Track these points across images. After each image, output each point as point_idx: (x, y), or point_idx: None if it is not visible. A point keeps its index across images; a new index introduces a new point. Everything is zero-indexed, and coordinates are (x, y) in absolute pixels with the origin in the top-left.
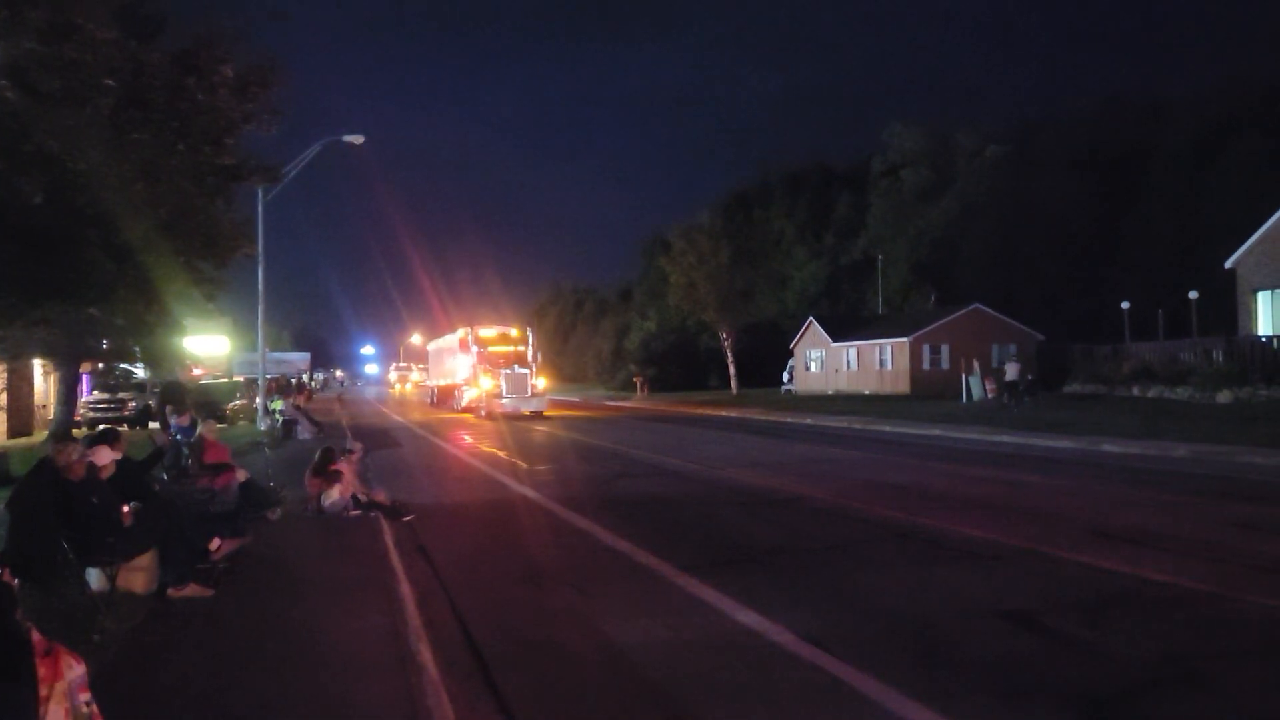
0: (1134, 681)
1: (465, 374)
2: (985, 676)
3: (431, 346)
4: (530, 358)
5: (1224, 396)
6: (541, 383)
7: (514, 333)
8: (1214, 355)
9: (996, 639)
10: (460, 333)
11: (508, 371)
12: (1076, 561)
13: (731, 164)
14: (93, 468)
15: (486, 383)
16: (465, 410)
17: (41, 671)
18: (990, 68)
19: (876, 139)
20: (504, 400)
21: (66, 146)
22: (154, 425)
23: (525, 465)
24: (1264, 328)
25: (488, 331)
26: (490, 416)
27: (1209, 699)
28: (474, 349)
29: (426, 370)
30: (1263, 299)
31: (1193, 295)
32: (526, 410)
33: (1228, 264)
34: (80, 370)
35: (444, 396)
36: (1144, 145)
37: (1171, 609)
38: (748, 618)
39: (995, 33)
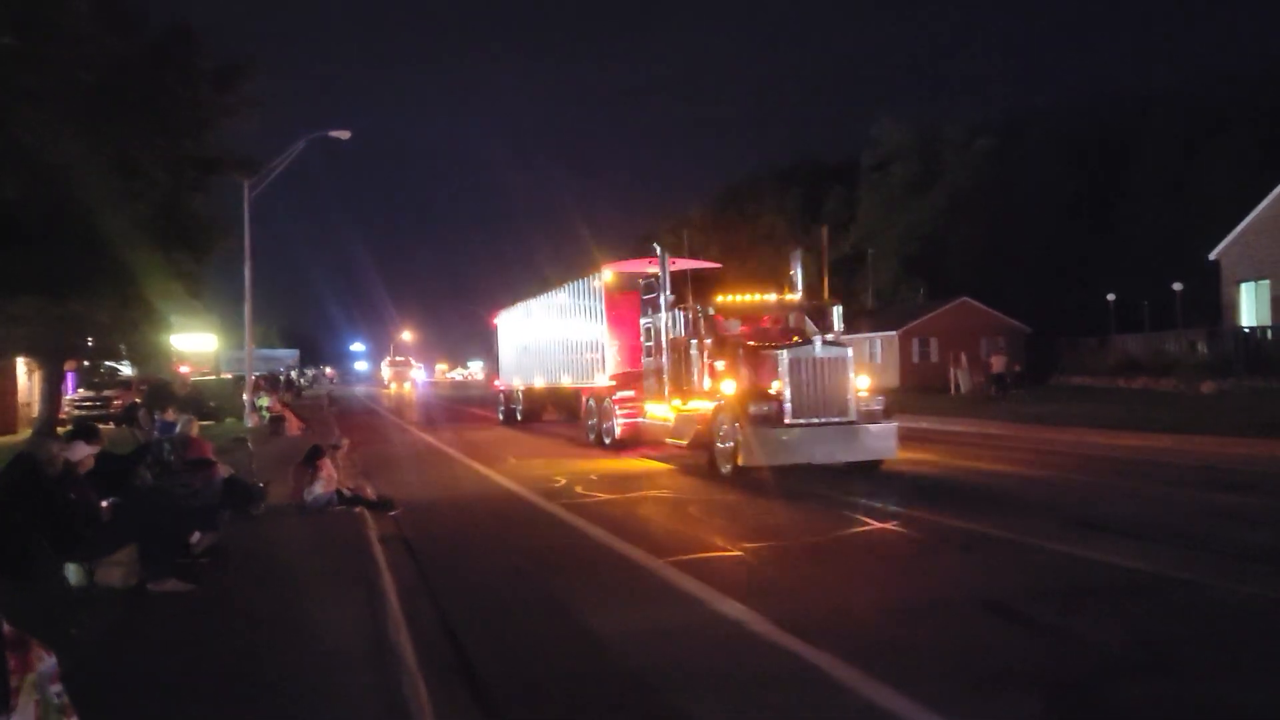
0: (1109, 668)
1: (614, 364)
2: (963, 663)
3: (511, 315)
4: (820, 322)
5: (1208, 387)
6: (865, 382)
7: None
8: (1198, 347)
9: (975, 627)
10: (607, 275)
11: (792, 354)
12: (1057, 550)
13: (721, 158)
14: (70, 463)
15: (727, 387)
16: (620, 444)
17: (12, 663)
18: (978, 60)
19: (866, 133)
20: (787, 434)
21: (41, 141)
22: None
23: None
24: (1247, 319)
25: (679, 266)
26: (739, 472)
27: (1181, 684)
28: (662, 301)
29: (491, 359)
30: (1246, 290)
31: (1177, 287)
32: (846, 457)
33: (1212, 255)
34: (65, 368)
35: (540, 408)
36: (1130, 138)
37: (1150, 596)
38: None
39: (982, 25)
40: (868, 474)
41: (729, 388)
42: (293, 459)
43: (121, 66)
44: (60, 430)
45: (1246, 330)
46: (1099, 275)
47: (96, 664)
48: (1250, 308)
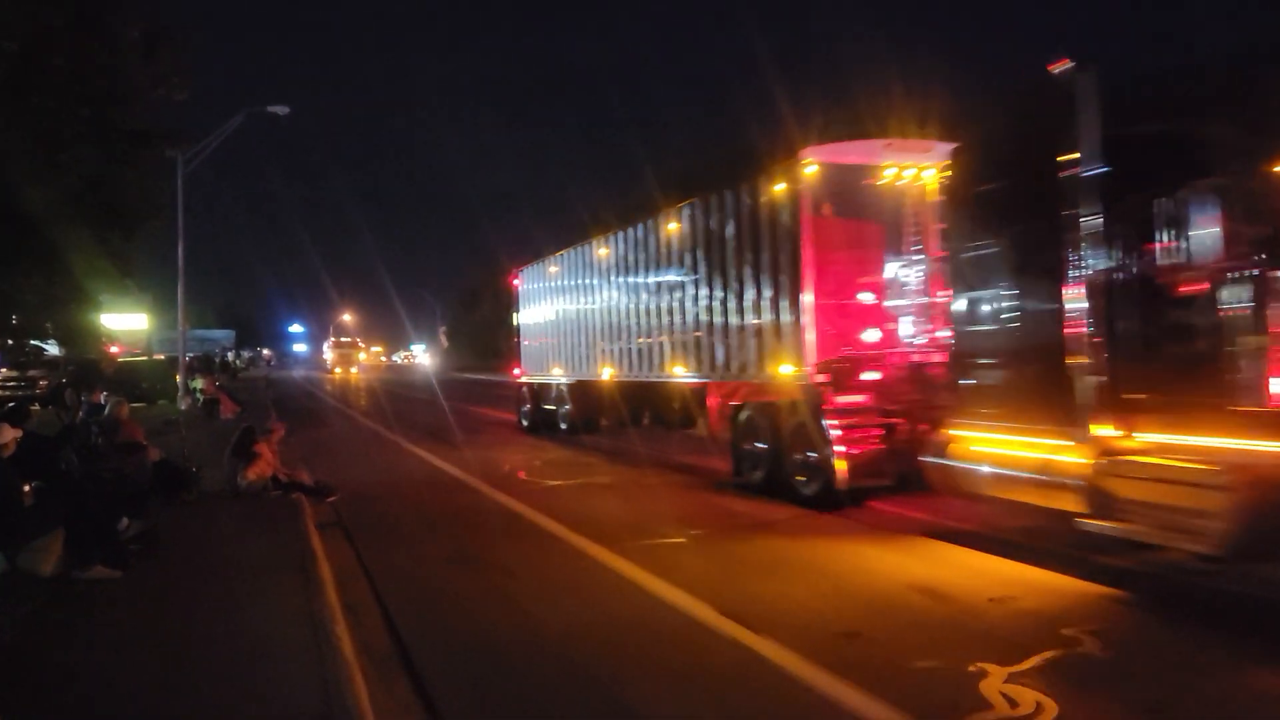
0: (1038, 650)
1: (814, 344)
2: (900, 648)
3: (549, 271)
4: None
5: None
6: None
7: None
8: None
9: (911, 612)
10: (810, 170)
11: None
12: (982, 537)
13: (654, 152)
14: None
15: None
16: (833, 498)
17: None
18: (915, 57)
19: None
20: None
21: None
22: (65, 399)
23: None
24: None
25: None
26: None
27: (1099, 665)
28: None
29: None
30: None
31: None
32: None
33: None
34: None
35: (597, 414)
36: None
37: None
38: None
39: (924, 27)
40: None
41: None
42: (227, 443)
43: (44, 34)
44: None
45: None
46: None
47: (17, 655)
48: None
